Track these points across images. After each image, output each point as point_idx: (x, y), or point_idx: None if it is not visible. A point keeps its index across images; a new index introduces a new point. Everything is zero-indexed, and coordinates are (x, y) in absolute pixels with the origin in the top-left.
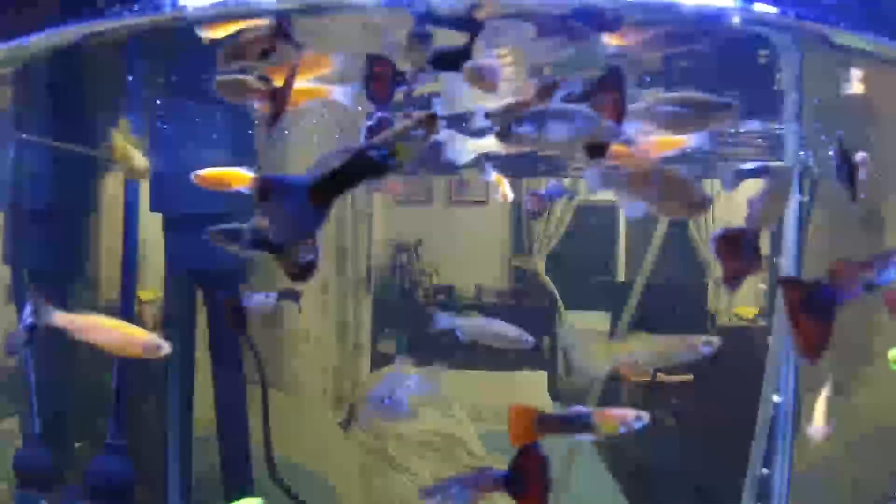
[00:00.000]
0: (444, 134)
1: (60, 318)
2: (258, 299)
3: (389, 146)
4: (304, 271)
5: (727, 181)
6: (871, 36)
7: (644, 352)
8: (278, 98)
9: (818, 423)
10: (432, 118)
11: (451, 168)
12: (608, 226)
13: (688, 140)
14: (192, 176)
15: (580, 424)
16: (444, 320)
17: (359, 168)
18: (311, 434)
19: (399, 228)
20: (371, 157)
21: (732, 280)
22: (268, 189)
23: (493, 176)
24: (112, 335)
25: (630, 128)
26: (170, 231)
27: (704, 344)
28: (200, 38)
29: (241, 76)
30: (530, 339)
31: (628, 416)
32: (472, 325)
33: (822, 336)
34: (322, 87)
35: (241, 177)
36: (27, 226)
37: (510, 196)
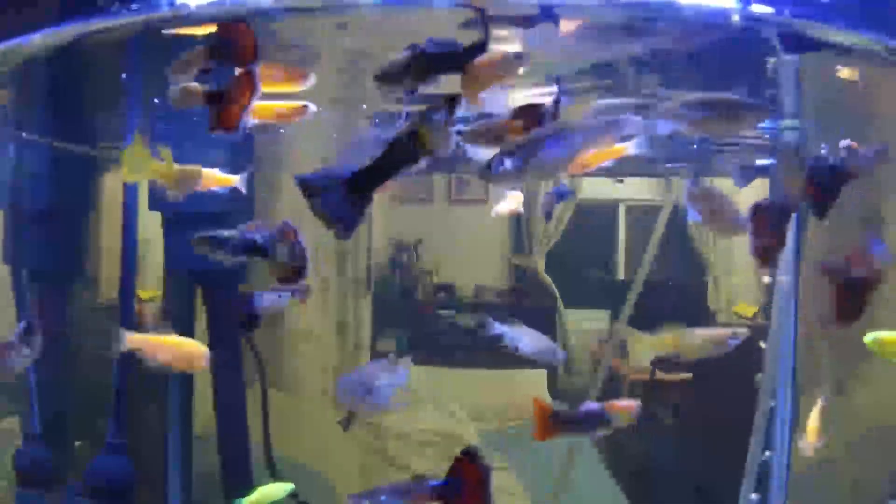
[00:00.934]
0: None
1: (134, 341)
2: (271, 299)
3: (414, 133)
4: (294, 274)
5: (738, 178)
6: (870, 34)
7: (683, 344)
8: (234, 107)
9: (810, 437)
10: (452, 100)
11: (452, 168)
12: (608, 225)
13: (628, 148)
14: None
15: (596, 419)
16: (495, 327)
17: (392, 159)
18: (311, 434)
19: (399, 228)
20: (401, 147)
21: (763, 254)
22: (310, 188)
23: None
24: (180, 354)
25: (662, 128)
26: (169, 230)
27: (732, 336)
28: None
29: (189, 84)
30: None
31: (632, 408)
32: (519, 335)
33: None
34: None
35: (215, 178)
36: (27, 226)
37: (520, 210)
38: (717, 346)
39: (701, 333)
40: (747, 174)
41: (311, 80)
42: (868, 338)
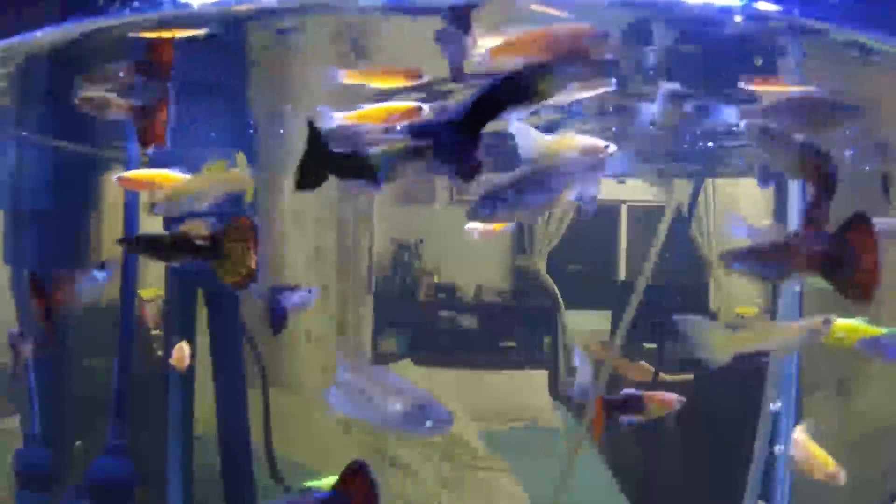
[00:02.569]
0: (515, 125)
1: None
2: (300, 296)
3: (537, 75)
4: (244, 278)
5: (761, 178)
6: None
7: (767, 339)
8: (150, 122)
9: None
10: (586, 52)
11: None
12: (609, 226)
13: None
14: (116, 178)
15: (634, 407)
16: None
17: (503, 94)
18: (311, 433)
19: (400, 227)
20: (516, 84)
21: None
22: (420, 135)
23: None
24: None
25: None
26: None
27: (824, 323)
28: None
29: (104, 94)
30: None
31: (672, 400)
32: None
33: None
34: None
35: (170, 178)
36: (28, 225)
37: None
38: (810, 337)
39: (794, 325)
40: (769, 175)
41: (425, 78)
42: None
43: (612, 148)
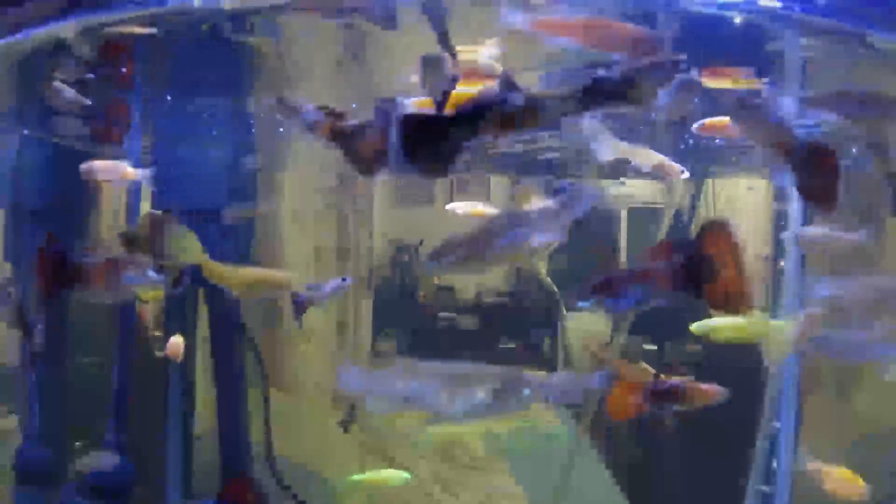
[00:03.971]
0: (590, 128)
1: None
2: (334, 284)
3: (629, 79)
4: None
5: (778, 179)
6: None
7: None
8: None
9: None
10: (677, 62)
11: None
12: (609, 226)
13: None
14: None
15: (676, 396)
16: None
17: (596, 90)
18: (310, 433)
19: (400, 228)
20: (607, 83)
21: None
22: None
23: None
24: None
25: (812, 117)
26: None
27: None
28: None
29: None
30: None
31: (715, 392)
32: None
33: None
34: None
35: (129, 173)
36: (28, 223)
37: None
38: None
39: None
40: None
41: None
42: (694, 326)
43: (685, 174)
